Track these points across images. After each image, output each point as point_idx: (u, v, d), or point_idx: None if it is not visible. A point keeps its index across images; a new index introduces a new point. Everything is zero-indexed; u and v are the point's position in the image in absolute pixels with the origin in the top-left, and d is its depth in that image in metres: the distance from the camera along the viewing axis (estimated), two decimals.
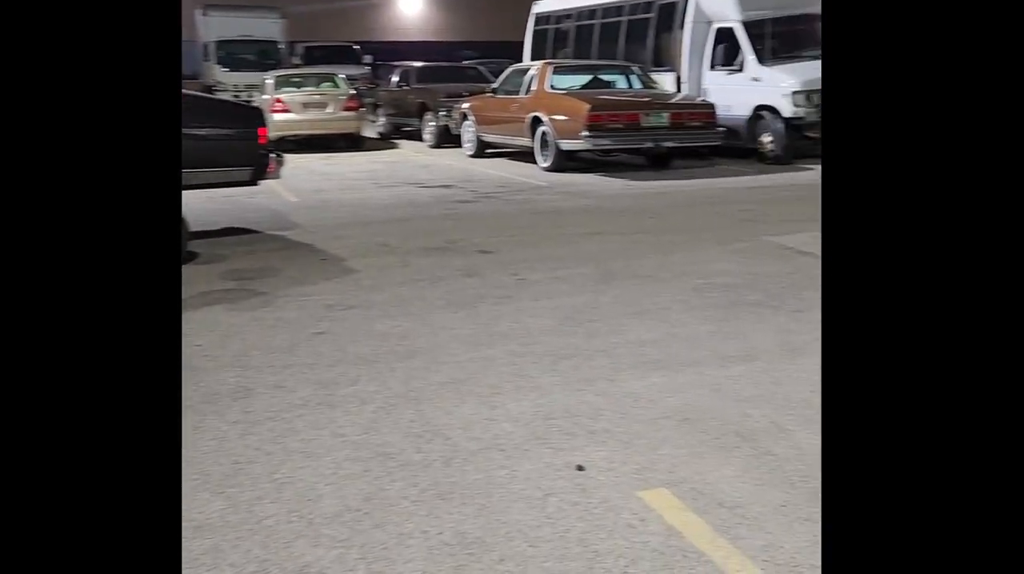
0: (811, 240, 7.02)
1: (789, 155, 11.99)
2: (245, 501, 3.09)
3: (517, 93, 12.74)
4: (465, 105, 14.19)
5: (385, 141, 17.39)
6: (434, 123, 15.79)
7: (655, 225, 7.92)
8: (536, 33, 17.15)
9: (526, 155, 12.88)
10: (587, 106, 11.09)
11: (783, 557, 2.70)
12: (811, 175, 11.12)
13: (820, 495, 3.02)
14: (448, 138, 15.35)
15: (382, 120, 18.02)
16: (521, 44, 18.02)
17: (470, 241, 7.36)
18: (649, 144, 11.35)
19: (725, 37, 12.80)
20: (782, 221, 7.92)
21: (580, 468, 3.28)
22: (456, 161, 13.73)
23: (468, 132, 14.11)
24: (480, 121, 13.68)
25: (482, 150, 13.90)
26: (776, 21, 12.20)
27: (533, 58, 16.49)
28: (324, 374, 4.31)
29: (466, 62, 23.53)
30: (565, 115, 11.46)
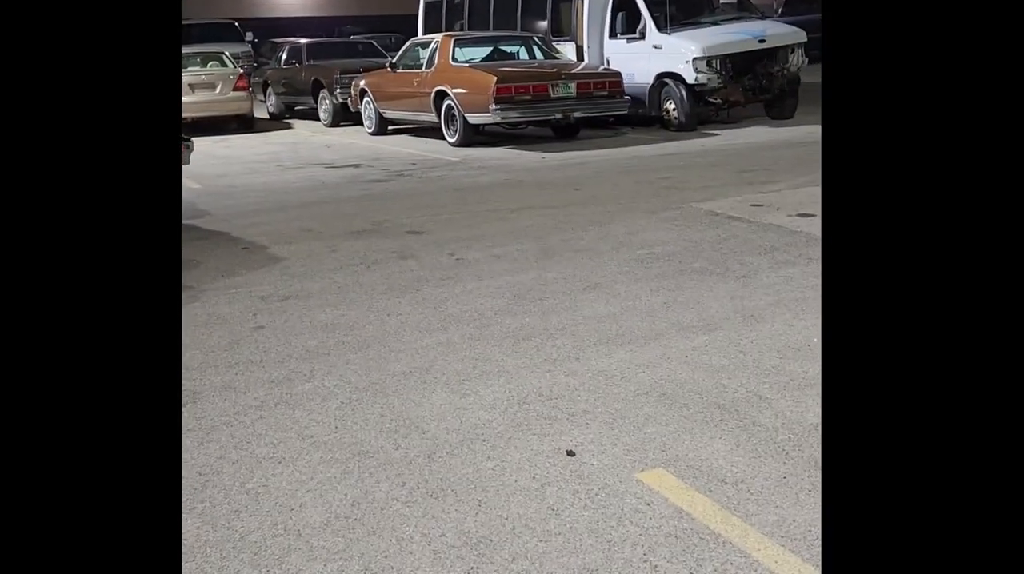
0: (737, 205, 7.07)
1: (693, 122, 12.10)
2: (221, 516, 2.85)
3: (418, 68, 12.45)
4: (363, 82, 13.80)
5: (278, 121, 16.80)
6: (330, 101, 15.32)
7: (581, 197, 7.85)
8: (428, 6, 16.81)
9: (431, 131, 12.64)
10: (494, 78, 10.92)
11: (798, 531, 2.65)
12: (718, 140, 11.25)
13: (819, 465, 3.01)
14: (346, 116, 14.94)
15: (272, 100, 17.40)
16: (407, 17, 17.71)
17: (396, 222, 7.13)
18: (558, 115, 11.25)
19: (624, 5, 12.77)
20: (703, 187, 7.95)
21: (570, 453, 3.16)
22: (358, 139, 13.37)
23: (368, 109, 13.74)
24: (380, 97, 13.34)
25: (384, 127, 13.60)
26: None
27: (427, 32, 16.17)
28: (274, 371, 4.06)
29: (354, 37, 22.97)
30: (471, 89, 11.26)
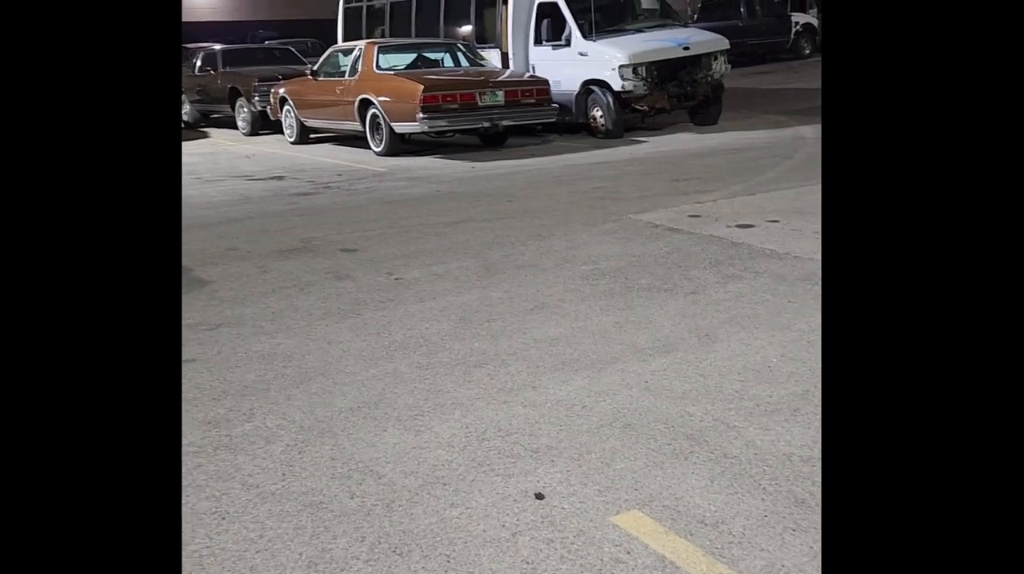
0: (675, 216, 6.99)
1: (620, 128, 12.06)
2: None
3: (340, 75, 12.13)
4: (283, 90, 13.41)
5: (193, 130, 16.24)
6: (249, 110, 14.86)
7: (517, 209, 7.67)
8: (348, 12, 16.44)
9: (354, 139, 12.36)
10: (421, 87, 10.68)
11: None
12: (647, 148, 11.23)
13: (796, 499, 2.89)
14: (265, 124, 14.51)
15: (187, 108, 16.81)
16: (322, 23, 17.30)
17: (327, 238, 6.85)
18: (486, 124, 11.09)
19: (548, 12, 12.66)
20: (639, 197, 7.87)
21: (539, 496, 2.98)
22: (279, 149, 12.97)
23: (289, 118, 13.35)
24: (301, 106, 12.96)
25: (305, 136, 13.23)
26: None
27: (346, 38, 15.81)
28: (210, 411, 3.77)
29: (269, 43, 22.36)
30: (397, 97, 11.01)
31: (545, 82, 11.60)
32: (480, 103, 10.96)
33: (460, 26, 14.08)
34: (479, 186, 9.02)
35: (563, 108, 12.00)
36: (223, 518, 2.92)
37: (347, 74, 11.96)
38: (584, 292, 5.13)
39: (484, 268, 5.75)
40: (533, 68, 12.77)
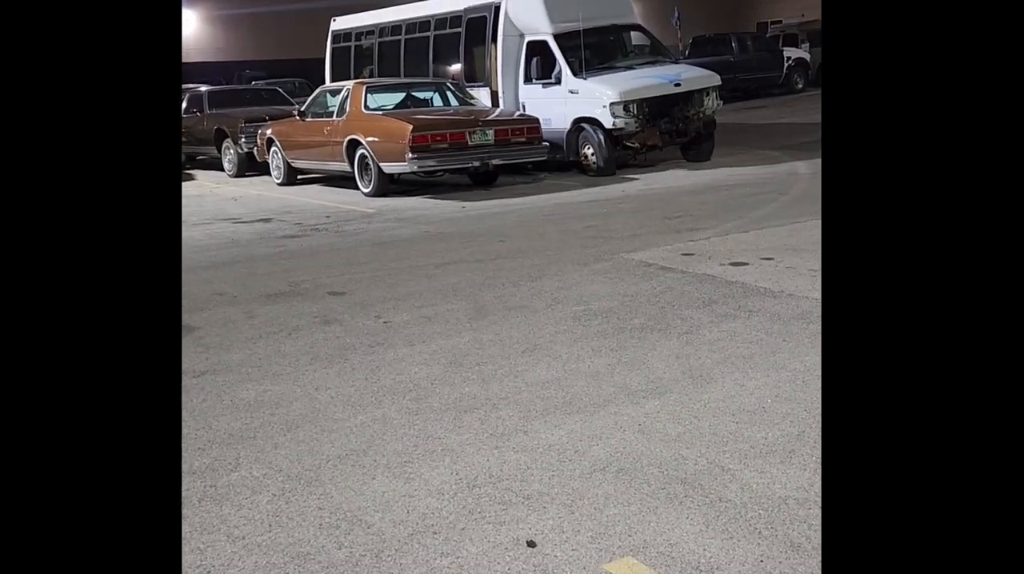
0: (668, 255, 7.04)
1: (611, 166, 12.17)
2: None
3: (328, 116, 12.26)
4: (270, 131, 13.53)
5: None
6: (235, 151, 14.97)
7: (508, 249, 7.71)
8: (335, 51, 16.64)
9: (342, 180, 12.43)
10: (410, 127, 10.79)
11: None
12: (638, 185, 11.32)
13: (792, 544, 2.90)
14: (251, 166, 14.62)
15: None
16: (308, 62, 17.51)
17: (315, 282, 6.87)
18: (476, 163, 11.19)
19: (538, 50, 12.85)
20: (631, 236, 7.93)
21: (531, 544, 2.98)
22: (266, 191, 13.06)
23: (276, 159, 13.46)
24: (289, 147, 13.08)
25: (293, 177, 13.34)
26: (587, 32, 12.34)
27: (334, 78, 16.00)
28: (195, 460, 3.77)
29: (256, 83, 22.54)
30: (386, 137, 11.12)
31: (535, 120, 11.73)
32: (470, 142, 11.06)
33: (449, 65, 14.27)
34: (470, 226, 9.07)
35: (554, 146, 12.15)
36: (208, 572, 2.91)
37: (335, 114, 12.09)
38: (576, 333, 5.15)
39: (475, 310, 5.77)
40: (523, 106, 12.93)
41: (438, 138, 10.88)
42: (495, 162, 11.31)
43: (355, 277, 6.96)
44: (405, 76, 14.30)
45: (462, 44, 14.00)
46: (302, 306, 6.16)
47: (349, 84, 12.51)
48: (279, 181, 13.43)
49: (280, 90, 17.96)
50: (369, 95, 11.89)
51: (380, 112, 11.71)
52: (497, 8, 13.26)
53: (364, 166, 11.53)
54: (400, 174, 11.37)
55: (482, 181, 11.96)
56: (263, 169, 14.00)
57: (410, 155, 10.71)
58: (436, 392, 4.38)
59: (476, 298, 6.06)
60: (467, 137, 11.06)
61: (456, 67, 14.16)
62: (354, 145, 11.55)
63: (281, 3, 30.17)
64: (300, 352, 5.12)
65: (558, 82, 12.52)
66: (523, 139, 11.43)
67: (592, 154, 12.23)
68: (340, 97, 12.19)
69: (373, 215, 10.16)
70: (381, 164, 11.20)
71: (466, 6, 13.86)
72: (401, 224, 9.46)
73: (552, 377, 4.49)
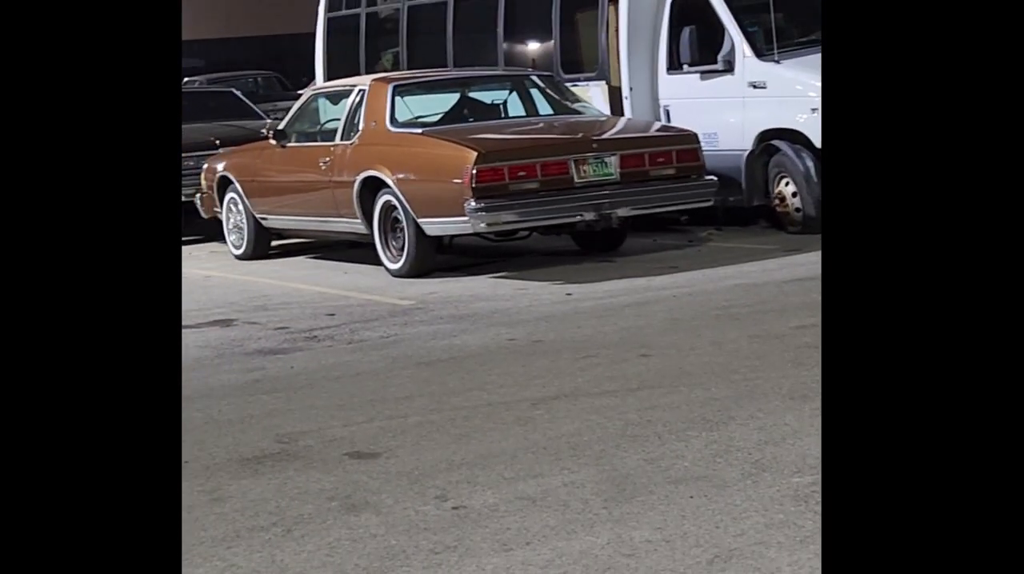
0: None
1: None
2: None
3: (326, 138, 8.86)
4: (223, 165, 9.76)
5: None
6: None
7: (657, 369, 5.35)
8: (333, 23, 11.91)
9: (352, 249, 9.15)
10: (472, 154, 7.55)
11: None
12: None
13: None
14: (190, 225, 10.35)
15: None
16: (286, 42, 13.35)
17: (323, 434, 4.82)
18: (589, 215, 7.78)
19: (692, 14, 9.01)
20: None
21: None
22: (220, 268, 9.56)
23: (235, 214, 9.63)
24: (256, 192, 9.33)
25: (263, 245, 9.53)
26: None
27: (331, 70, 11.67)
28: None
29: (193, 81, 16.90)
30: (429, 173, 7.86)
31: (692, 138, 8.20)
32: (577, 179, 7.66)
33: (534, 44, 10.37)
34: (584, 328, 6.36)
35: (723, 182, 8.44)
36: None
37: (339, 135, 8.55)
38: (803, 527, 3.56)
39: (613, 484, 4.16)
40: (667, 113, 9.23)
41: (522, 172, 7.55)
42: (622, 213, 7.92)
43: (392, 425, 4.94)
44: (456, 65, 10.17)
45: (556, 8, 9.80)
46: (305, 478, 4.37)
47: (363, 81, 8.85)
48: (240, 251, 9.55)
49: (237, 93, 12.88)
50: (399, 99, 8.34)
51: (418, 130, 8.35)
52: None
53: (391, 224, 8.08)
54: (454, 236, 8.20)
55: (598, 245, 8.48)
56: (211, 231, 10.09)
57: (473, 204, 7.34)
58: None
59: (612, 462, 4.35)
60: (572, 170, 7.66)
61: (547, 48, 10.04)
62: (373, 187, 8.13)
63: None
64: (311, 567, 3.57)
65: (729, 69, 8.56)
66: (671, 171, 7.94)
67: (794, 194, 8.40)
68: (347, 105, 8.58)
69: (411, 310, 7.22)
70: (421, 221, 7.78)
71: None
72: (461, 326, 6.68)
73: None
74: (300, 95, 10.34)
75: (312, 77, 11.97)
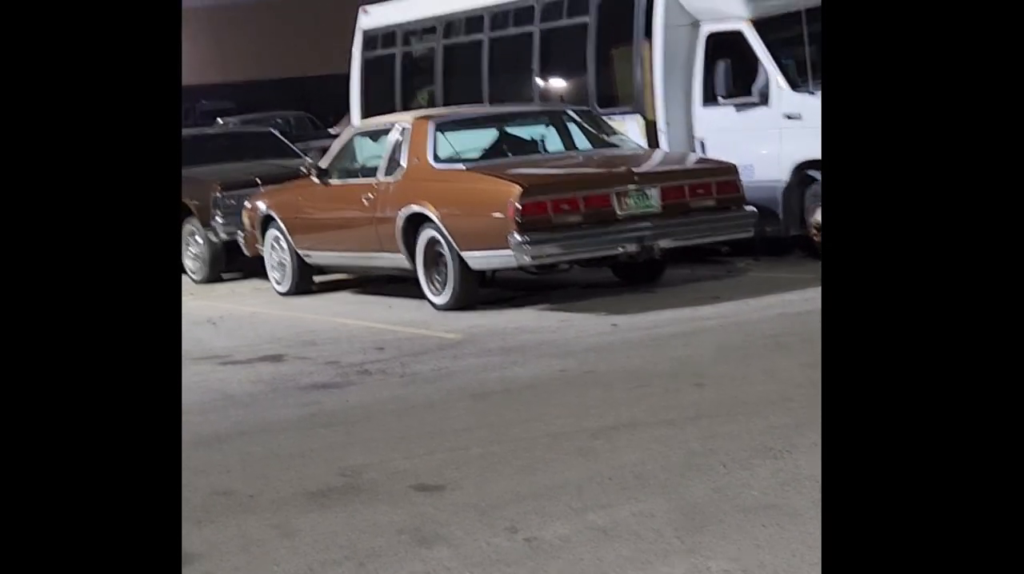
0: None
1: None
2: None
3: (368, 175, 8.76)
4: (265, 203, 9.69)
5: None
6: (204, 239, 10.75)
7: (715, 398, 5.33)
8: (369, 64, 11.98)
9: (394, 284, 9.02)
10: (517, 188, 7.43)
11: None
12: None
13: None
14: (230, 262, 10.57)
15: None
16: (313, 84, 13.14)
17: (387, 467, 4.78)
18: (633, 248, 7.70)
19: (727, 48, 8.94)
20: None
21: None
22: (264, 305, 9.42)
23: (278, 251, 9.61)
24: (299, 229, 9.30)
25: (307, 281, 9.55)
26: (811, 15, 8.03)
27: (368, 108, 11.62)
28: None
29: (226, 121, 16.87)
30: (473, 207, 7.77)
31: (731, 169, 8.13)
32: (619, 211, 7.67)
33: (569, 79, 10.30)
34: (634, 359, 6.12)
35: (760, 212, 8.32)
36: None
37: (381, 172, 8.55)
38: None
39: (683, 514, 4.08)
40: (701, 145, 9.22)
41: (565, 205, 7.53)
42: (664, 244, 7.81)
43: (454, 457, 4.89)
44: (492, 102, 10.21)
45: (592, 43, 9.83)
46: (373, 513, 4.28)
47: (405, 119, 8.88)
48: (283, 288, 9.57)
49: (275, 132, 13.10)
50: (441, 137, 8.32)
51: (461, 166, 8.22)
52: None
53: (435, 259, 8.00)
54: (497, 270, 8.10)
55: (638, 276, 8.36)
56: (253, 268, 10.20)
57: (518, 238, 7.33)
58: None
59: (679, 492, 4.29)
60: (614, 203, 7.62)
61: (582, 83, 10.04)
62: (416, 223, 8.07)
63: None
64: None
65: (764, 101, 8.60)
66: (710, 202, 7.90)
67: None
68: (389, 142, 8.58)
69: (460, 343, 6.98)
70: (465, 254, 7.67)
71: None
72: (511, 358, 6.41)
73: None
74: (332, 133, 10.10)
75: (339, 116, 11.68)
